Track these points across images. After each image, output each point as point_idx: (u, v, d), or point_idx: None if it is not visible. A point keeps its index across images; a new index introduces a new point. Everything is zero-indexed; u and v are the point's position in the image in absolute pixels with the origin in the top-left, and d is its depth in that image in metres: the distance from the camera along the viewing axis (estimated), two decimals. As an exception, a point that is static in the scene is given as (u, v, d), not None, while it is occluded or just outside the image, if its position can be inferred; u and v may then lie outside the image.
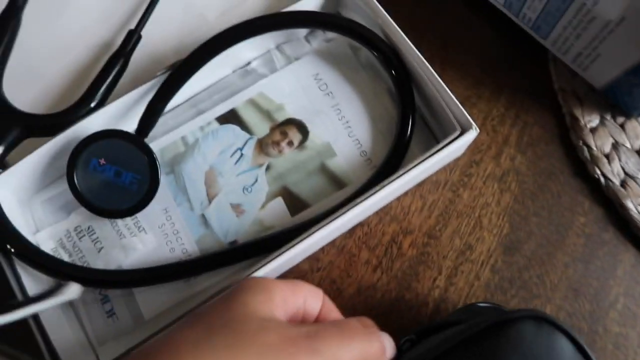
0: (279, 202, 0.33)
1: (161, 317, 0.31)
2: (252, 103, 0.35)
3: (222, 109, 0.35)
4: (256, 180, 0.34)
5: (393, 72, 0.33)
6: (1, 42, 0.33)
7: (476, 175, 0.37)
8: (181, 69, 0.32)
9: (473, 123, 0.30)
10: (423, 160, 0.29)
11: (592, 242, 0.35)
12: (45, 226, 0.33)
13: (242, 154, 0.34)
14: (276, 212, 0.33)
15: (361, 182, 0.33)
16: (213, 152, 0.35)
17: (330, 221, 0.29)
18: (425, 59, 0.32)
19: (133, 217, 0.33)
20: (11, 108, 0.31)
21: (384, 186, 0.29)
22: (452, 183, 0.36)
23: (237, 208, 0.33)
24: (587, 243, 0.35)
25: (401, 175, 0.29)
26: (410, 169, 0.29)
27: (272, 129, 0.35)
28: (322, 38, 0.37)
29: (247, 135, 0.35)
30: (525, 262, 0.35)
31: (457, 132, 0.30)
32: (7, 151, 0.30)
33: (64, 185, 0.34)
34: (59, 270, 0.30)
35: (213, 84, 0.36)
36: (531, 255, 0.35)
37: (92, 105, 0.32)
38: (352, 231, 0.35)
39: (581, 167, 0.37)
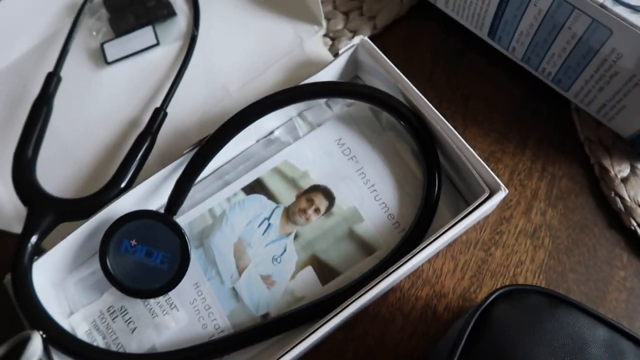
0: (309, 271, 0.33)
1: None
2: (277, 171, 0.36)
3: (247, 179, 0.36)
4: (285, 250, 0.34)
5: (417, 136, 0.33)
6: (35, 130, 0.34)
7: (507, 232, 0.36)
8: (208, 146, 0.32)
9: (501, 184, 0.30)
10: (454, 225, 0.29)
11: (635, 296, 0.34)
12: (78, 307, 0.33)
13: (269, 224, 0.34)
14: (307, 281, 0.33)
15: (390, 246, 0.33)
16: (241, 223, 0.35)
17: (364, 292, 0.28)
18: (447, 116, 0.32)
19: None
20: (45, 195, 0.32)
21: (415, 254, 0.29)
22: (483, 242, 0.36)
23: (267, 279, 0.33)
24: (629, 298, 0.34)
25: (433, 241, 0.29)
26: (442, 234, 0.29)
27: (298, 197, 0.35)
28: (343, 103, 0.38)
29: (274, 204, 0.35)
30: (566, 321, 0.33)
31: (486, 194, 0.29)
32: (41, 238, 0.31)
33: (95, 265, 0.34)
34: (92, 357, 0.29)
35: (237, 154, 0.37)
36: (572, 314, 0.34)
37: (122, 185, 0.33)
38: (384, 297, 0.34)
39: (615, 218, 0.36)
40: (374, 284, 0.28)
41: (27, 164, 0.33)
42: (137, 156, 0.34)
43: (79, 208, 0.32)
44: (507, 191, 0.30)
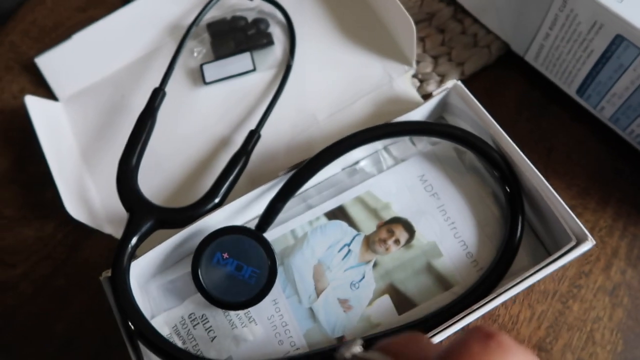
0: (386, 299, 0.34)
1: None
2: (360, 200, 0.37)
3: (330, 205, 0.37)
4: (363, 277, 0.35)
5: (504, 179, 0.34)
6: (140, 140, 0.37)
7: (586, 287, 0.36)
8: (302, 171, 0.34)
9: (589, 234, 0.30)
10: (538, 271, 0.29)
11: None
12: (160, 311, 0.35)
13: (349, 250, 0.36)
14: (383, 309, 0.34)
15: (467, 284, 0.33)
16: (321, 246, 0.36)
17: (443, 329, 0.29)
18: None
19: (245, 308, 0.34)
20: (147, 202, 0.35)
21: (497, 295, 0.29)
22: (561, 294, 0.36)
23: (344, 303, 0.34)
24: None
25: (516, 284, 0.29)
26: (525, 278, 0.29)
27: (379, 227, 0.36)
28: (428, 141, 0.39)
29: (355, 232, 0.36)
30: (642, 383, 0.33)
31: (573, 243, 0.30)
32: (140, 241, 0.33)
33: (180, 272, 0.36)
34: (177, 357, 0.31)
35: (323, 180, 0.38)
36: (649, 376, 0.33)
37: (217, 200, 0.35)
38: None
39: (699, 284, 0.35)
40: (452, 321, 0.29)
41: (130, 172, 0.36)
42: (232, 174, 0.36)
43: (177, 217, 0.34)
44: (595, 242, 0.30)
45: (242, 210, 0.36)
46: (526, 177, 0.33)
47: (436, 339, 0.32)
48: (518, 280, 0.29)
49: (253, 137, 0.38)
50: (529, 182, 0.33)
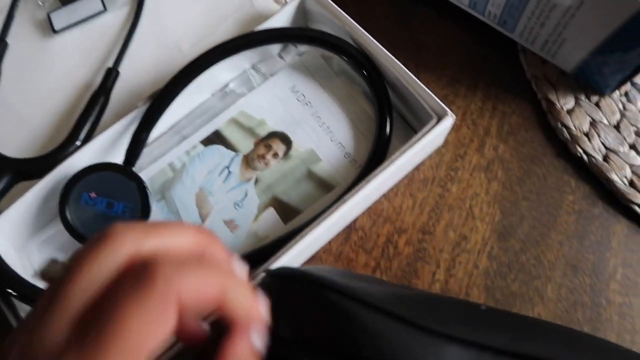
0: (271, 212, 0.34)
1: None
2: (234, 122, 0.36)
3: (205, 131, 0.36)
4: (246, 195, 0.34)
5: (365, 74, 0.34)
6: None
7: (462, 168, 0.37)
8: (161, 97, 0.33)
9: (448, 110, 0.31)
10: (404, 152, 0.30)
11: (584, 218, 0.36)
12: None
13: (229, 172, 0.35)
14: (269, 222, 0.33)
15: (348, 182, 0.33)
16: (201, 173, 0.35)
17: (321, 221, 0.29)
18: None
19: (128, 246, 0.33)
20: (0, 156, 0.32)
21: (369, 180, 0.29)
22: (440, 179, 0.37)
23: (230, 224, 0.34)
24: (578, 220, 0.35)
25: (385, 168, 0.30)
26: (393, 160, 0.30)
27: (256, 144, 0.35)
28: (295, 52, 0.38)
29: (233, 153, 0.35)
30: (520, 246, 0.35)
31: (434, 121, 0.30)
32: (-1, 198, 0.31)
33: (58, 226, 0.34)
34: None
35: (194, 109, 0.37)
36: (525, 238, 0.35)
37: (78, 143, 0.33)
38: (347, 237, 0.35)
39: (563, 148, 0.38)
40: (330, 212, 0.29)
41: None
42: (91, 114, 0.34)
43: (35, 166, 0.32)
44: (455, 117, 0.31)
45: (110, 150, 0.34)
46: (387, 67, 0.33)
47: (323, 238, 0.33)
48: (386, 164, 0.30)
49: (110, 75, 0.36)
50: (390, 73, 0.33)
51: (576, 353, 0.17)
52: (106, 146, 0.34)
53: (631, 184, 0.35)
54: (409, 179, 0.37)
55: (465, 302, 0.27)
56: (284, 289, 0.21)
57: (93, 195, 0.31)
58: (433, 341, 0.17)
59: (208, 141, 0.36)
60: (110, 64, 0.39)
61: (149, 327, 0.16)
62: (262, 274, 0.23)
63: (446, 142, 0.38)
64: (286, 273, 0.21)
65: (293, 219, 0.34)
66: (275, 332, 0.20)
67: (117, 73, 0.37)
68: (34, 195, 0.32)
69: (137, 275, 0.16)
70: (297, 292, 0.20)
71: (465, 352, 0.17)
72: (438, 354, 0.17)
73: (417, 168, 0.37)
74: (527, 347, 0.17)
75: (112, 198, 0.31)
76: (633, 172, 0.36)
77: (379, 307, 0.18)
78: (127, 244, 0.17)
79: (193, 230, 0.19)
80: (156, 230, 0.18)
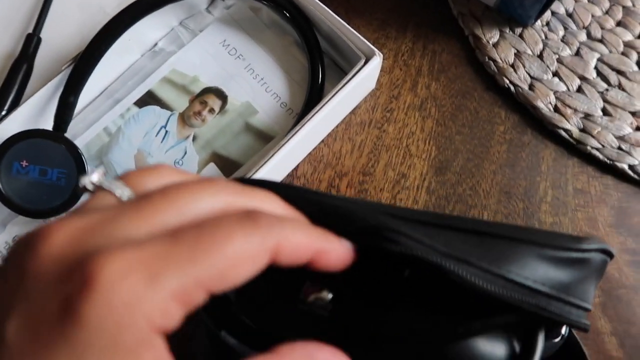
0: (212, 167, 0.34)
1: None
2: (167, 81, 0.36)
3: (138, 93, 0.36)
4: (185, 153, 0.34)
5: (293, 21, 0.34)
6: None
7: (397, 109, 0.38)
8: (84, 57, 0.32)
9: (375, 50, 0.31)
10: (335, 94, 0.31)
11: (514, 146, 0.37)
12: (-19, 244, 0.33)
13: (166, 131, 0.35)
14: (211, 177, 0.34)
15: (285, 131, 0.34)
16: (138, 135, 0.35)
17: (259, 169, 0.29)
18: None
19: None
20: None
21: (303, 125, 0.30)
22: (376, 121, 0.38)
23: (171, 183, 0.34)
24: (509, 148, 0.37)
25: (318, 111, 0.30)
26: (325, 103, 0.30)
27: (191, 101, 0.35)
28: (223, 6, 0.38)
29: (168, 112, 0.35)
30: (456, 178, 0.36)
31: (362, 61, 0.31)
32: None
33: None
34: None
35: (125, 71, 0.37)
36: (461, 171, 0.37)
37: (3, 113, 0.32)
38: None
39: (492, 81, 0.39)
40: (265, 160, 0.30)
41: None
42: (15, 82, 0.33)
43: (-41, 139, 0.31)
44: (382, 55, 0.31)
45: (39, 117, 0.33)
46: (314, 12, 0.33)
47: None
48: (318, 107, 0.30)
49: (31, 40, 0.35)
50: (318, 18, 0.33)
51: (494, 227, 0.19)
52: (34, 114, 0.33)
53: (556, 109, 0.37)
54: (346, 123, 0.37)
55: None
56: None
57: (24, 163, 0.30)
58: (374, 215, 0.19)
59: (142, 102, 0.35)
60: (30, 30, 0.38)
61: (246, 257, 0.15)
62: None
63: (380, 84, 0.38)
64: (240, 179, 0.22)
65: (234, 172, 0.34)
66: None
67: (39, 39, 0.35)
68: (-37, 170, 0.31)
69: (242, 215, 0.16)
70: None
71: (395, 220, 0.19)
72: (377, 219, 0.18)
73: (353, 112, 0.38)
74: (449, 221, 0.19)
75: (45, 165, 0.31)
76: (557, 98, 0.37)
77: (332, 195, 0.20)
78: (224, 196, 0.17)
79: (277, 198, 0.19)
80: (250, 191, 0.17)
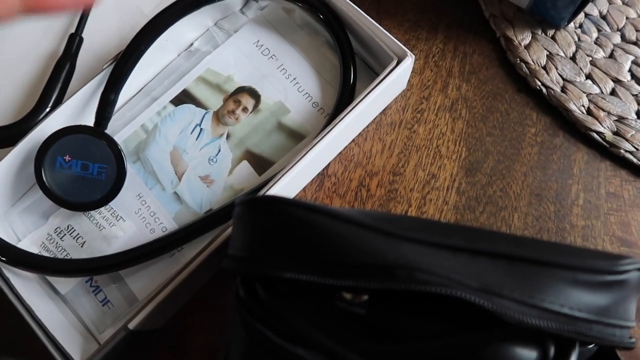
0: (245, 165, 0.35)
1: (153, 294, 0.32)
2: (202, 80, 0.37)
3: (174, 91, 0.37)
4: (219, 150, 0.35)
5: (327, 23, 0.34)
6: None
7: (427, 110, 0.38)
8: (124, 57, 0.33)
9: (407, 50, 0.32)
10: (367, 94, 0.31)
11: (545, 148, 0.37)
12: (25, 235, 0.34)
13: (201, 129, 0.36)
14: (244, 174, 0.34)
15: (317, 131, 0.34)
16: (173, 132, 0.36)
17: (291, 168, 0.30)
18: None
19: (109, 208, 0.34)
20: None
21: (335, 125, 0.30)
22: (407, 121, 0.38)
23: (206, 179, 0.34)
24: (540, 151, 0.37)
25: (350, 111, 0.31)
26: (358, 104, 0.31)
27: (225, 100, 0.36)
28: (256, 7, 0.38)
29: (203, 111, 0.36)
30: (487, 179, 0.36)
31: (394, 62, 0.31)
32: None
33: (37, 193, 0.35)
34: (46, 267, 0.31)
35: (161, 70, 0.38)
36: (491, 172, 0.37)
37: (47, 110, 0.33)
38: (321, 184, 0.36)
39: (523, 83, 0.39)
40: (300, 157, 0.30)
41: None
42: (58, 80, 0.34)
43: (5, 134, 0.32)
44: (413, 56, 0.32)
45: (81, 114, 0.35)
46: (347, 14, 0.34)
47: (297, 185, 0.34)
48: (351, 107, 0.31)
49: (74, 40, 0.36)
50: (351, 20, 0.34)
51: (525, 249, 0.19)
52: (77, 110, 0.34)
53: (588, 112, 0.37)
54: (377, 123, 0.38)
55: (427, 219, 0.28)
56: (248, 211, 0.22)
57: (67, 158, 0.32)
58: (394, 242, 0.19)
59: (178, 101, 0.36)
60: (72, 30, 0.39)
61: None
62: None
63: (411, 85, 0.39)
64: (250, 199, 0.22)
65: (267, 170, 0.35)
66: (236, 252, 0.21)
67: (81, 39, 0.37)
68: (9, 163, 0.33)
69: None
70: (260, 211, 0.22)
71: (423, 248, 0.19)
72: (399, 249, 0.18)
73: (384, 112, 0.38)
74: (479, 245, 0.19)
75: (87, 160, 0.32)
76: (590, 101, 0.37)
77: (339, 215, 0.19)
78: None
79: None
80: None
